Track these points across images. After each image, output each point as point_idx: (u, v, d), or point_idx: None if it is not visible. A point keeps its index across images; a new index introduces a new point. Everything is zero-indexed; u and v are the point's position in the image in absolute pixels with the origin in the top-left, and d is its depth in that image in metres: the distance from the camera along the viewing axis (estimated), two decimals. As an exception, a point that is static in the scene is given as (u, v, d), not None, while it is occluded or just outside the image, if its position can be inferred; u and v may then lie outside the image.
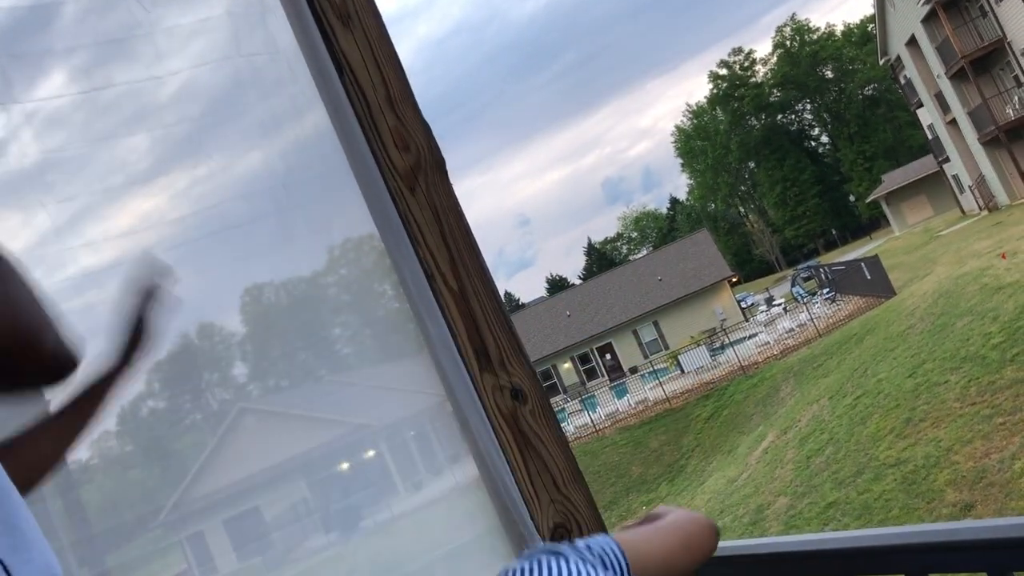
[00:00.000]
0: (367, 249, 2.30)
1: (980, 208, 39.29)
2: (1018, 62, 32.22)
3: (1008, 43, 32.29)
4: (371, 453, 2.40)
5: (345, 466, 2.38)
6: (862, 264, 29.88)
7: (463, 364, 2.00)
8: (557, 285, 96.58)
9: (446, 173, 2.06)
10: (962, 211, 44.35)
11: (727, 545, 1.54)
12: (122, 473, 2.04)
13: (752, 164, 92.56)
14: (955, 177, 43.16)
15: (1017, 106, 33.01)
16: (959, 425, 11.56)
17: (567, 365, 48.43)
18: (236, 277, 2.05)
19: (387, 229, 2.00)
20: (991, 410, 11.26)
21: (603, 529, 1.81)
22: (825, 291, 37.99)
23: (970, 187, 40.04)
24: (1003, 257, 18.96)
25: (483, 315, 2.04)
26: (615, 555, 1.13)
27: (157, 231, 1.93)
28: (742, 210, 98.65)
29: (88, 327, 1.78)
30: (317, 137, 2.07)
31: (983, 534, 1.30)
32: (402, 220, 1.99)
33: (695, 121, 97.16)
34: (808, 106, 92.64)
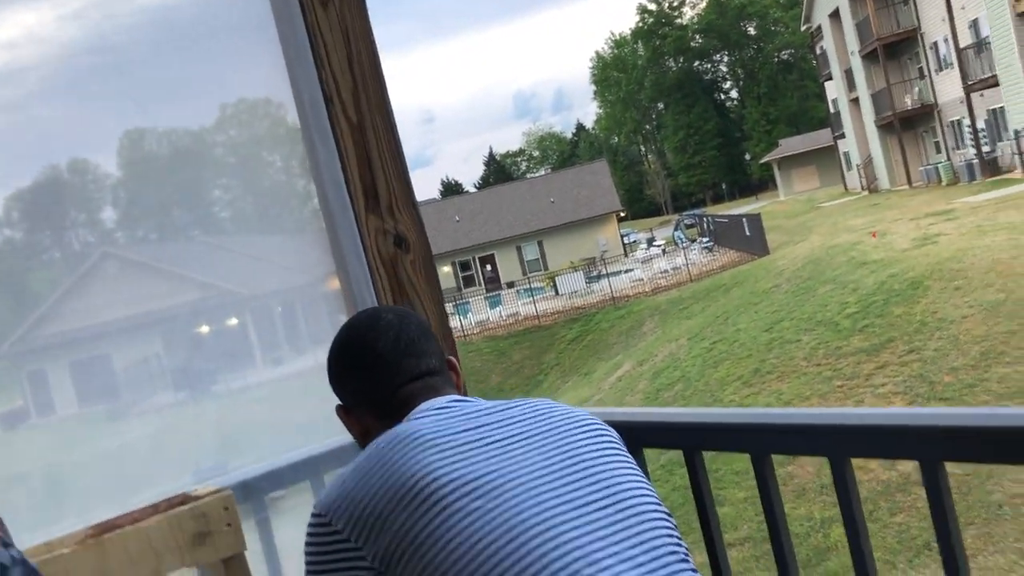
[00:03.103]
0: (262, 114, 2.22)
1: (863, 187, 41.04)
2: (925, 55, 33.37)
3: (921, 34, 33.34)
4: (234, 321, 2.36)
5: (205, 329, 2.34)
6: (744, 220, 30.90)
7: (349, 200, 1.93)
8: (451, 189, 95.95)
9: None
10: (845, 188, 46.23)
11: (596, 411, 1.56)
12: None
13: (661, 105, 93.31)
14: (846, 154, 44.81)
15: (916, 97, 34.33)
16: (801, 382, 12.30)
17: (447, 269, 48.57)
18: (118, 116, 1.95)
19: (291, 42, 1.88)
20: (832, 372, 12.02)
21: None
22: (705, 240, 39.18)
23: (858, 166, 41.67)
24: (873, 235, 19.99)
25: (379, 154, 1.96)
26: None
27: (39, 49, 1.81)
28: (643, 149, 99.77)
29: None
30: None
31: (824, 420, 1.40)
32: (309, 35, 1.87)
33: (615, 51, 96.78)
34: (725, 58, 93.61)
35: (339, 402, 1.52)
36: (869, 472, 8.43)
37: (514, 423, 1.34)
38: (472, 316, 32.74)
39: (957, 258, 14.02)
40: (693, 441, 1.62)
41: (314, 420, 1.98)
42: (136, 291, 2.18)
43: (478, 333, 31.05)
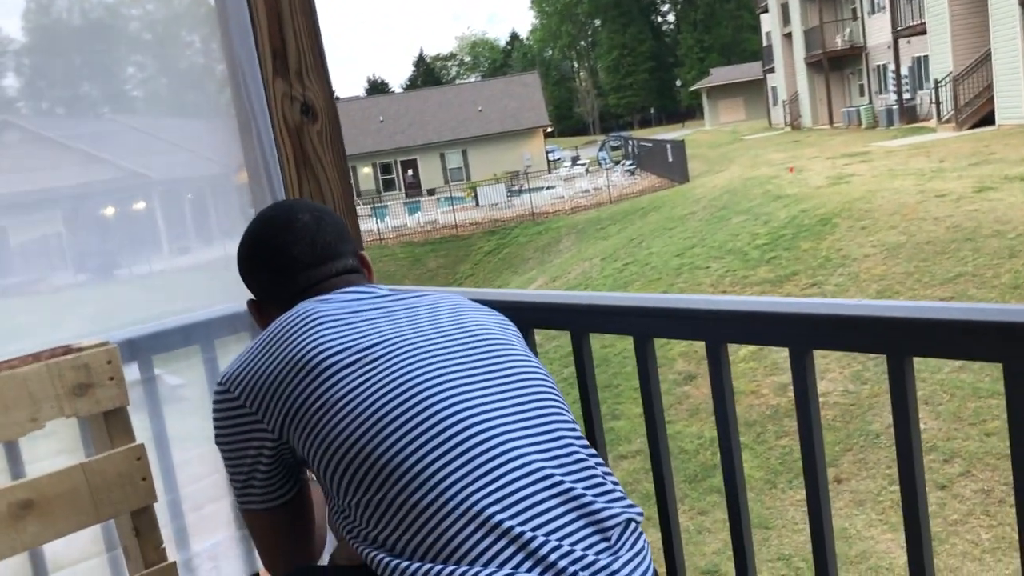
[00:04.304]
0: (181, -10, 2.13)
1: (786, 124, 41.70)
2: (860, -4, 33.68)
3: (857, -25, 33.58)
4: (141, 205, 2.31)
5: (110, 211, 2.28)
6: (668, 146, 31.15)
7: (258, 63, 1.86)
8: (377, 88, 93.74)
9: None
10: (770, 122, 46.90)
11: (487, 291, 1.58)
12: None
13: (598, 22, 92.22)
14: (774, 89, 45.30)
15: (846, 37, 34.75)
16: (706, 311, 12.63)
17: (367, 170, 47.79)
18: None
19: None
20: (736, 303, 12.38)
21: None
22: (628, 163, 39.41)
23: (784, 102, 42.23)
24: (791, 171, 20.44)
25: (291, 16, 1.89)
26: None
27: None
28: (575, 65, 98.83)
29: None
30: None
31: (704, 306, 1.47)
32: None
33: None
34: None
35: (250, 297, 1.52)
36: (760, 397, 8.82)
37: (412, 301, 1.38)
38: (389, 220, 32.46)
39: (866, 199, 14.48)
40: (580, 323, 1.67)
41: (219, 304, 1.97)
42: (38, 165, 2.10)
43: (395, 238, 30.85)
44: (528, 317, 1.66)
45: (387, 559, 1.14)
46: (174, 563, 1.56)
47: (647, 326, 1.56)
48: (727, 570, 6.39)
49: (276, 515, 1.39)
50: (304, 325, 1.29)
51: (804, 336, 1.34)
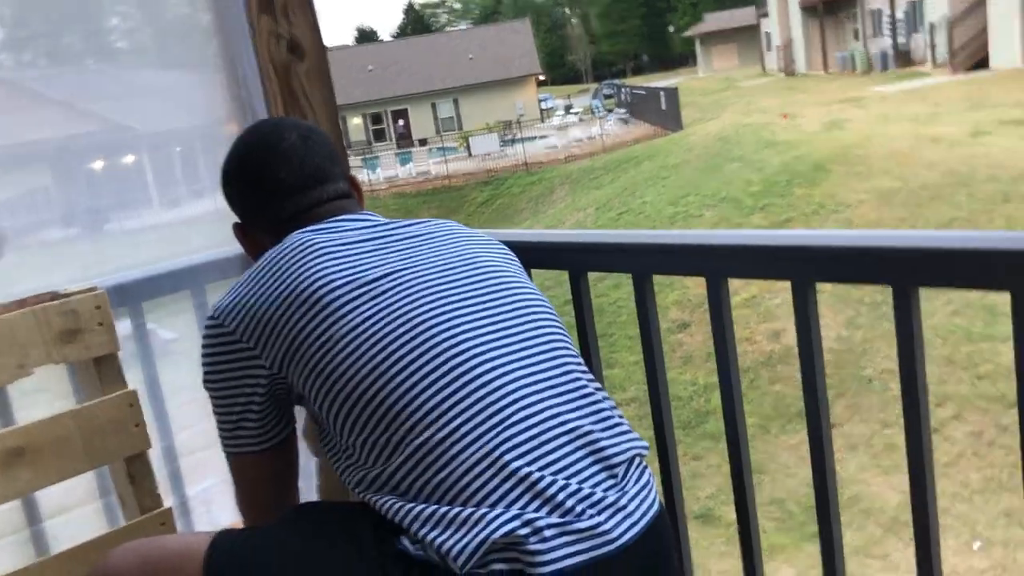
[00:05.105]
0: (164, -64, 2.09)
1: (780, 70, 41.29)
2: (855, -63, 33.13)
3: (853, -85, 32.99)
4: (130, 158, 2.28)
5: (99, 165, 2.26)
6: (661, 93, 30.84)
7: (243, 4, 1.81)
8: (366, 36, 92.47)
9: None
10: (763, 68, 46.42)
11: (484, 232, 1.55)
12: None
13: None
14: (768, 34, 44.74)
15: (841, -20, 34.29)
16: (699, 259, 12.64)
17: (357, 121, 47.32)
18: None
19: None
20: (729, 252, 12.39)
21: None
22: (621, 111, 39.06)
23: (778, 47, 41.75)
24: (784, 117, 20.30)
25: None
26: None
27: None
28: (567, 12, 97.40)
29: None
30: None
31: (703, 241, 1.46)
32: None
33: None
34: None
35: (236, 220, 1.47)
36: (754, 344, 8.87)
37: (411, 230, 1.34)
38: (381, 172, 32.22)
39: (861, 145, 14.40)
40: (578, 262, 1.65)
41: (211, 261, 1.95)
42: (20, 117, 2.07)
43: (386, 189, 30.67)
44: (526, 257, 1.64)
45: (390, 500, 1.13)
46: (170, 509, 1.57)
47: (646, 263, 1.54)
48: (720, 513, 6.48)
49: (266, 458, 1.34)
50: (303, 255, 1.24)
51: (806, 269, 1.32)
